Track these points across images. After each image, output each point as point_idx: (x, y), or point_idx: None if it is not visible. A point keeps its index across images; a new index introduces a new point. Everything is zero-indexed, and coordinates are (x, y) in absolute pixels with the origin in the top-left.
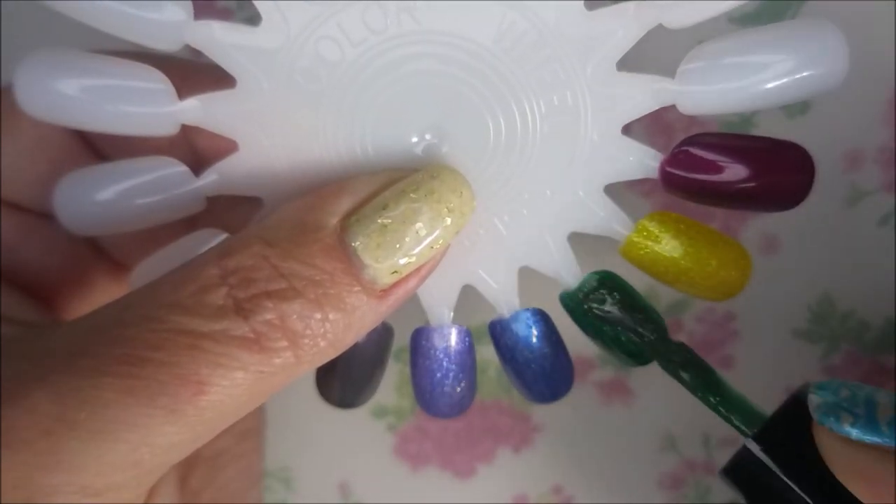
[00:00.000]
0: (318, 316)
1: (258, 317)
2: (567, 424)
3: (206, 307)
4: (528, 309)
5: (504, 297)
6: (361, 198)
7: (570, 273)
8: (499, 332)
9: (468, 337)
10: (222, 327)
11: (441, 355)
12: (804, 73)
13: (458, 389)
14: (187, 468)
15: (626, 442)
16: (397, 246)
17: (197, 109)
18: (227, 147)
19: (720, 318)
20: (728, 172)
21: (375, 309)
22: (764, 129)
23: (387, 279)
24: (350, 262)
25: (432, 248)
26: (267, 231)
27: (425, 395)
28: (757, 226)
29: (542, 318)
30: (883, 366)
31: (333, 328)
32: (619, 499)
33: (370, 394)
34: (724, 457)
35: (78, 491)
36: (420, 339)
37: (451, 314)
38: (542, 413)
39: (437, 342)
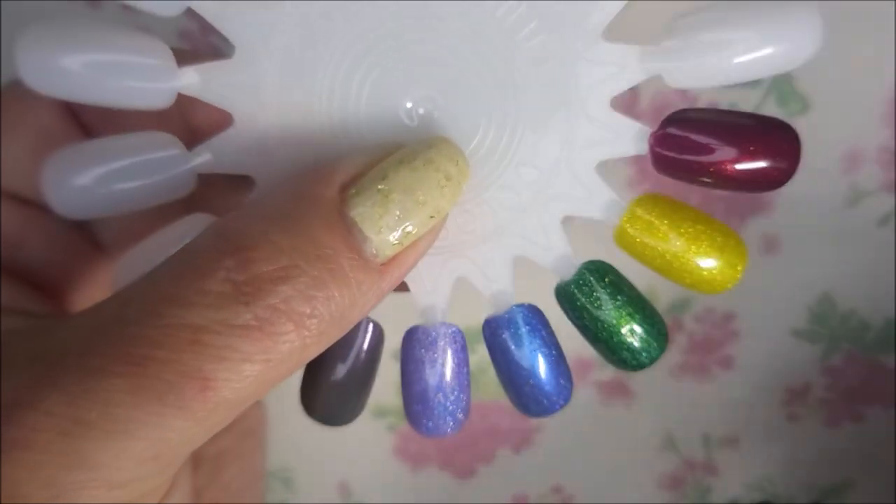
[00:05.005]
0: (323, 294)
1: (260, 301)
2: (567, 424)
3: (205, 295)
4: (521, 306)
5: (498, 289)
6: (359, 169)
7: (564, 263)
8: (492, 332)
9: (462, 339)
10: (222, 317)
11: (434, 358)
12: (770, 49)
13: (452, 399)
14: (191, 466)
15: (626, 442)
16: (398, 215)
17: (195, 79)
18: (220, 122)
19: (720, 318)
20: (713, 152)
21: (378, 284)
22: None
23: (388, 251)
24: (351, 235)
25: (432, 217)
26: (264, 207)
27: (416, 404)
28: (757, 226)
29: (538, 319)
30: (883, 366)
31: (339, 306)
32: (619, 499)
33: (359, 411)
34: (724, 457)
35: (103, 485)
36: (412, 342)
37: (445, 311)
38: None
39: (428, 347)
